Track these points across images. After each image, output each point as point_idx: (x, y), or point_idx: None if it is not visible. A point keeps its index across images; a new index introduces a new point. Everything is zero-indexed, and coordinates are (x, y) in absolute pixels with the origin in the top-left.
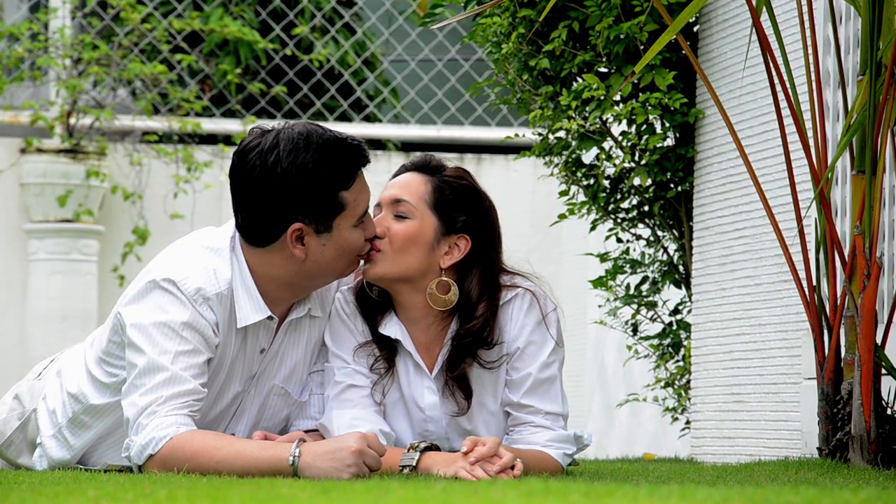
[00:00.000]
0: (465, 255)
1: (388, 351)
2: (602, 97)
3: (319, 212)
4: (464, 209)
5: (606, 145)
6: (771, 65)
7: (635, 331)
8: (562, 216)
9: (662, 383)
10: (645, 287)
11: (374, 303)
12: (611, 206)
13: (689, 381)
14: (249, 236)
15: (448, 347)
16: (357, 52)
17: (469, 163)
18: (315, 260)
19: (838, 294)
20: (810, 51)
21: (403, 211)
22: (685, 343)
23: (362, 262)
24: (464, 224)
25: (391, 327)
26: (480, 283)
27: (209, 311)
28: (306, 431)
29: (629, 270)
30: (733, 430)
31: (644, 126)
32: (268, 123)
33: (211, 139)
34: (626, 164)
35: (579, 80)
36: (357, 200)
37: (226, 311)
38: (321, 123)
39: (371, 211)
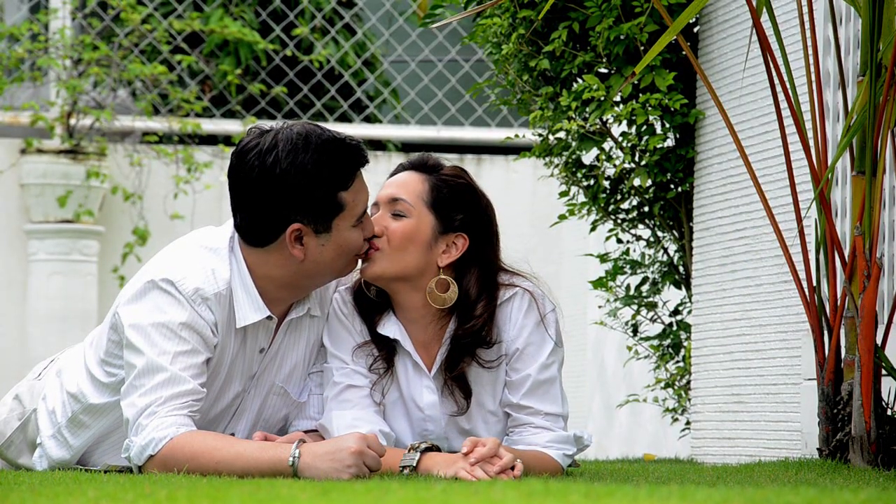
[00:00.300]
0: (463, 253)
1: (386, 351)
2: (602, 98)
3: (318, 212)
4: (461, 208)
5: (606, 146)
6: (771, 65)
7: (635, 331)
8: (562, 217)
9: (662, 384)
10: (645, 288)
11: (372, 303)
12: (611, 207)
13: (689, 382)
14: (248, 236)
15: (447, 347)
16: (357, 53)
17: (469, 163)
18: (314, 260)
19: (838, 295)
20: (810, 51)
21: (401, 210)
22: (685, 344)
23: (360, 261)
24: (461, 223)
25: (389, 327)
26: (479, 281)
27: (207, 312)
28: (306, 432)
29: (629, 271)
30: (733, 430)
31: (644, 127)
32: (266, 124)
33: (211, 140)
34: (627, 165)
35: (579, 80)
36: (356, 201)
37: (224, 311)
38: (320, 124)
39: (369, 210)
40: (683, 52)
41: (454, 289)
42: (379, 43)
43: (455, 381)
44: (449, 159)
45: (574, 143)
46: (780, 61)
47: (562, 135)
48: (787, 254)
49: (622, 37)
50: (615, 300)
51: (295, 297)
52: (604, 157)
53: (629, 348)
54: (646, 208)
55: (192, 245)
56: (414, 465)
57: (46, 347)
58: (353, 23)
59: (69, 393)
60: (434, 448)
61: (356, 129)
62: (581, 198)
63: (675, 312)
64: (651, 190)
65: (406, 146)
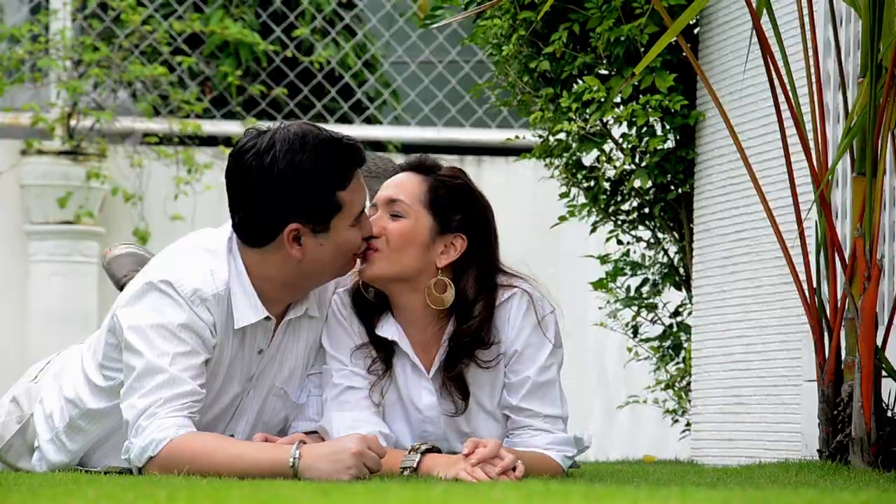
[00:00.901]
0: (462, 254)
1: (384, 352)
2: (602, 99)
3: (316, 212)
4: (459, 208)
5: (607, 147)
6: (771, 67)
7: (635, 333)
8: (562, 218)
9: (663, 385)
10: (645, 289)
11: (370, 304)
12: (611, 208)
13: (689, 383)
14: (246, 237)
15: (445, 347)
16: (357, 54)
17: (469, 164)
18: (312, 260)
19: (839, 296)
20: (811, 53)
21: (399, 210)
22: (685, 345)
23: (359, 262)
24: (459, 223)
25: (388, 328)
26: (477, 282)
27: (206, 313)
28: (306, 433)
29: (629, 272)
30: (733, 431)
31: (644, 128)
32: (264, 125)
33: (211, 141)
34: (627, 166)
35: (580, 81)
36: (354, 200)
37: (223, 312)
38: (318, 124)
39: (367, 211)
40: (684, 54)
41: (452, 290)
42: (379, 44)
43: (453, 381)
44: (449, 160)
45: (574, 145)
46: (780, 63)
47: (562, 136)
48: (788, 255)
49: (622, 38)
50: (615, 301)
51: (293, 297)
52: (604, 158)
53: (629, 349)
54: (646, 210)
55: (191, 246)
56: (414, 466)
57: (46, 349)
58: (354, 24)
59: (67, 398)
60: (434, 449)
61: (356, 131)
62: (581, 199)
63: (676, 314)
64: (651, 191)
65: (406, 147)
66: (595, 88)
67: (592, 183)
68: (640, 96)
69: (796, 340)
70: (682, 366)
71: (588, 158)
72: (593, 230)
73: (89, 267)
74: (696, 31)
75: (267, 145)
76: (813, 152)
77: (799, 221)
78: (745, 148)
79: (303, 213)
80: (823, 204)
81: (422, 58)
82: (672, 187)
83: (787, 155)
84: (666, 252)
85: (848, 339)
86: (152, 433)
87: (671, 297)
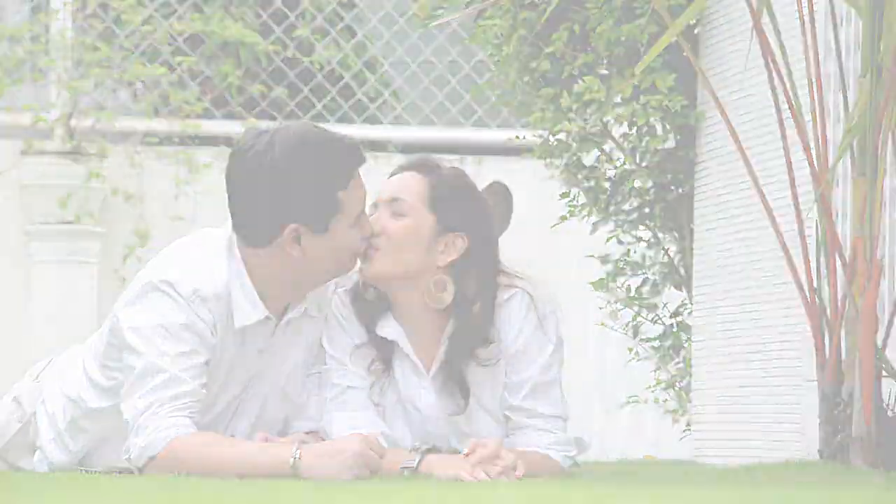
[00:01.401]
0: (462, 254)
1: (384, 352)
2: (603, 99)
3: (316, 212)
4: (460, 207)
5: (607, 147)
6: (771, 67)
7: (636, 333)
8: (563, 218)
9: (663, 385)
10: (646, 289)
11: (370, 304)
12: (611, 208)
13: (689, 383)
14: (246, 236)
15: (445, 347)
16: (358, 54)
17: (470, 164)
18: (312, 259)
19: (839, 296)
20: (811, 53)
21: (400, 209)
22: (685, 345)
23: (359, 261)
24: (460, 223)
25: (388, 328)
26: (477, 282)
27: (206, 312)
28: (306, 433)
29: (630, 272)
30: (734, 431)
31: (645, 128)
32: (264, 124)
33: (211, 141)
34: (627, 166)
35: (580, 81)
36: (354, 200)
37: (223, 312)
38: (318, 124)
39: (368, 211)
40: (684, 54)
41: (451, 289)
42: (380, 44)
43: (453, 380)
44: (449, 160)
45: (575, 145)
46: (780, 63)
47: (562, 136)
48: (788, 255)
49: (623, 38)
50: (616, 301)
51: (293, 296)
52: (604, 158)
53: (630, 349)
54: (646, 209)
55: (191, 246)
56: (415, 466)
57: (46, 348)
58: (354, 24)
59: (69, 398)
60: (435, 449)
61: (357, 131)
62: (582, 199)
63: (676, 314)
64: (651, 191)
65: (407, 147)
66: (595, 88)
67: (593, 183)
68: (641, 96)
69: (796, 340)
70: (682, 366)
71: (588, 158)
72: (594, 230)
73: (90, 267)
74: (696, 31)
75: (267, 145)
76: (813, 152)
77: (799, 221)
78: (745, 148)
79: (303, 213)
80: (824, 204)
81: (422, 58)
82: (672, 187)
83: (787, 155)
84: (666, 252)
85: (848, 339)
86: (153, 433)
87: (671, 297)
